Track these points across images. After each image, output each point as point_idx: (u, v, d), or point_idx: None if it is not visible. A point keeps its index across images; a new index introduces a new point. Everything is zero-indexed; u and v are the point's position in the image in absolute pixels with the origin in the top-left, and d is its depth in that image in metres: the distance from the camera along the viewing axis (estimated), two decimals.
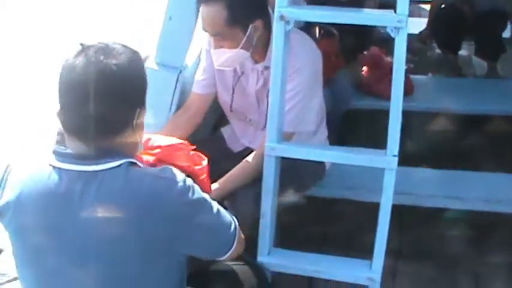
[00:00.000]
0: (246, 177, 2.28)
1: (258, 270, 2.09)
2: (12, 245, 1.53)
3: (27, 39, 5.75)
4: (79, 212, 1.41)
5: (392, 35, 1.84)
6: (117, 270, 1.46)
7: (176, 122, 2.49)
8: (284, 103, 2.08)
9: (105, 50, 1.43)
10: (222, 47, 2.23)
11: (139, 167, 1.49)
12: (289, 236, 2.68)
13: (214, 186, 2.18)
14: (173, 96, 2.54)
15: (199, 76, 2.52)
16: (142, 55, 1.52)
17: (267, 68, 2.31)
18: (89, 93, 1.39)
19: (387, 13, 1.89)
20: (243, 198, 2.25)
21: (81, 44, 1.45)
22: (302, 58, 2.25)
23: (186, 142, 1.86)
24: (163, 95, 2.55)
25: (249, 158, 2.32)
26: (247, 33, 2.20)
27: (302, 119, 2.31)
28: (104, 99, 1.40)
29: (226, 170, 2.30)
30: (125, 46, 1.48)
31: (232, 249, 1.65)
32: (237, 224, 1.67)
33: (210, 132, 2.91)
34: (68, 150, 1.46)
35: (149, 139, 1.77)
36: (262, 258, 2.18)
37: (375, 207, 2.04)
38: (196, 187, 1.53)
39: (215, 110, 2.71)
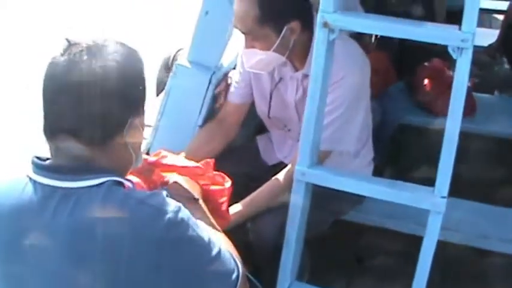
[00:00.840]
0: (272, 199, 2.04)
1: None
2: None
3: (27, 39, 5.69)
4: (49, 233, 1.21)
5: (454, 56, 1.55)
6: None
7: (208, 135, 2.26)
8: (322, 121, 1.81)
9: (92, 49, 1.22)
10: (253, 47, 2.00)
11: (126, 187, 1.27)
12: (319, 263, 2.45)
13: (236, 208, 1.96)
14: (204, 99, 2.31)
15: (234, 83, 2.29)
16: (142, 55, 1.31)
17: (306, 76, 2.05)
18: (68, 97, 1.21)
19: (450, 30, 1.59)
20: (266, 224, 2.01)
21: (68, 41, 1.24)
22: (346, 67, 1.96)
23: (205, 164, 1.63)
24: (193, 98, 2.32)
25: (280, 176, 2.07)
26: (281, 35, 1.95)
27: (341, 138, 2.03)
28: (84, 105, 1.20)
29: (256, 186, 2.06)
30: (121, 45, 1.27)
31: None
32: (241, 271, 1.37)
33: (248, 140, 2.66)
34: (47, 162, 1.27)
35: (164, 156, 1.56)
36: None
37: (417, 241, 1.76)
38: (194, 222, 1.26)
39: (256, 116, 2.46)
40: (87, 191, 1.20)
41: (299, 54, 2.05)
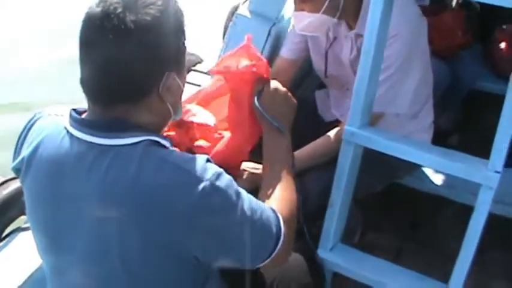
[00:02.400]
0: (321, 157, 2.00)
1: (315, 266, 1.83)
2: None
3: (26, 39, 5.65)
4: (84, 188, 1.20)
5: None
6: (113, 263, 1.22)
7: None
8: (375, 80, 1.73)
9: (128, 0, 1.16)
10: (303, 9, 1.93)
11: (163, 147, 1.23)
12: (371, 225, 2.40)
13: None
14: (262, 51, 2.25)
15: (289, 38, 2.23)
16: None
17: (359, 35, 1.97)
18: (102, 50, 1.16)
19: None
20: (313, 181, 1.97)
21: None
22: (399, 24, 1.84)
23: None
24: None
25: (331, 134, 2.02)
26: None
27: (392, 99, 1.93)
28: (120, 59, 1.16)
29: (310, 141, 2.03)
30: None
31: (274, 255, 1.31)
32: (281, 223, 1.33)
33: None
34: (84, 116, 1.26)
35: (188, 110, 1.53)
36: (323, 253, 1.92)
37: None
38: (232, 189, 1.21)
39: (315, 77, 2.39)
40: (123, 149, 1.19)
41: (351, 14, 1.97)
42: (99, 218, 1.20)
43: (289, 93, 1.60)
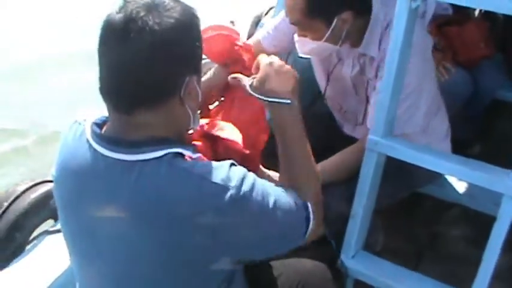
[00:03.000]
0: (340, 174, 1.98)
1: (337, 273, 1.85)
2: None
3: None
4: (112, 203, 1.22)
5: None
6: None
7: None
8: (399, 90, 1.75)
9: (150, 5, 1.19)
10: (305, 36, 1.91)
11: (187, 158, 1.24)
12: (392, 234, 2.41)
13: None
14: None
15: (273, 33, 2.21)
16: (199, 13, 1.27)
17: (362, 55, 1.97)
18: (123, 56, 1.17)
19: None
20: (333, 196, 1.97)
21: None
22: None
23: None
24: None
25: (350, 149, 2.01)
26: (332, 27, 1.84)
27: (409, 119, 1.92)
28: (141, 64, 1.17)
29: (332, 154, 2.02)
30: (177, 2, 1.23)
31: (307, 236, 1.35)
32: (309, 205, 1.35)
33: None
34: (105, 131, 1.27)
35: (220, 128, 1.56)
36: (345, 261, 1.93)
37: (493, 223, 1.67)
38: (258, 188, 1.23)
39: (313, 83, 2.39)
40: (148, 164, 1.19)
41: (355, 37, 1.93)
42: (123, 232, 1.22)
43: (285, 64, 1.51)
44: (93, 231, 1.28)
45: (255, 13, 3.60)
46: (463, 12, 2.89)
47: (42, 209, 2.13)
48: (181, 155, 1.23)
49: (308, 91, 2.51)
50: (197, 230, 1.18)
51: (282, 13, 2.17)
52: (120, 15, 1.17)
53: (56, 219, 2.14)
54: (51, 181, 2.19)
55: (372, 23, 1.89)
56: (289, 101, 1.44)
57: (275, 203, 1.27)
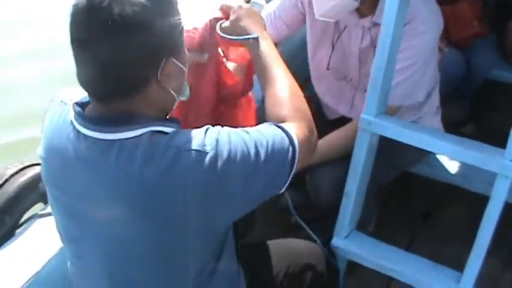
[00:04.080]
0: (333, 151, 1.97)
1: (330, 253, 1.85)
2: None
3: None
4: (94, 183, 1.20)
5: None
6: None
7: None
8: (392, 69, 1.73)
9: None
10: None
11: (165, 134, 1.20)
12: (385, 215, 2.40)
13: None
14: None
15: (272, 23, 2.17)
16: None
17: (375, 24, 1.93)
18: (92, 47, 1.13)
19: None
20: (324, 175, 1.97)
21: None
22: (427, 21, 1.84)
23: None
24: None
25: (343, 128, 2.00)
26: None
27: (412, 92, 1.93)
28: (110, 55, 1.13)
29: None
30: None
31: (296, 163, 1.31)
32: (292, 135, 1.31)
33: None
34: (88, 112, 1.24)
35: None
36: (337, 241, 1.94)
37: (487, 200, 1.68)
38: (235, 139, 1.21)
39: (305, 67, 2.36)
40: (127, 142, 1.17)
41: (370, 1, 1.91)
42: (109, 213, 1.21)
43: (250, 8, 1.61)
44: (80, 211, 1.27)
45: None
46: None
47: (32, 192, 2.10)
48: (163, 132, 1.20)
49: (299, 73, 2.48)
50: (184, 199, 1.16)
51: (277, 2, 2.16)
52: (84, 3, 1.13)
53: (45, 202, 2.12)
54: (39, 164, 2.19)
55: None
56: (256, 35, 1.52)
57: (256, 149, 1.24)
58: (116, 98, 1.19)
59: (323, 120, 2.30)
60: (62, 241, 1.43)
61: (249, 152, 1.22)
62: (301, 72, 2.27)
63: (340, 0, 1.83)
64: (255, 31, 1.53)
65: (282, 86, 1.45)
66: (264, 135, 1.27)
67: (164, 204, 1.17)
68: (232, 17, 1.57)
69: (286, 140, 1.30)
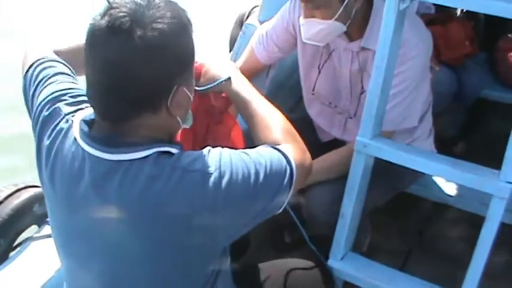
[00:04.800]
0: (327, 175, 1.96)
1: (327, 275, 1.84)
2: None
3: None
4: (98, 203, 1.20)
5: None
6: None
7: None
8: (387, 93, 1.75)
9: (136, 12, 1.13)
10: (313, 16, 1.86)
11: (171, 154, 1.21)
12: (379, 234, 2.41)
13: None
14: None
15: (266, 43, 2.18)
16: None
17: (363, 49, 1.94)
18: (108, 66, 1.13)
19: None
20: (318, 197, 1.97)
21: (108, 2, 1.15)
22: (417, 45, 1.85)
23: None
24: None
25: (338, 151, 2.01)
26: (345, 2, 1.81)
27: (406, 116, 1.94)
28: (127, 75, 1.13)
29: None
30: (166, 3, 1.17)
31: (293, 185, 1.32)
32: (294, 167, 1.31)
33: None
34: (94, 132, 1.23)
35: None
36: (334, 263, 1.94)
37: (481, 220, 1.67)
38: (236, 161, 1.22)
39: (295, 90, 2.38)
40: (134, 163, 1.17)
41: (358, 25, 1.90)
42: (114, 233, 1.21)
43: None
44: (83, 231, 1.26)
45: (238, 12, 3.59)
46: (446, 11, 2.89)
47: (26, 214, 2.09)
48: (168, 153, 1.21)
49: (289, 97, 2.50)
50: (188, 219, 1.17)
51: (271, 21, 2.17)
52: (104, 23, 1.13)
53: (39, 225, 2.11)
54: (34, 186, 2.18)
55: (373, 14, 1.88)
56: (228, 76, 1.56)
57: (256, 169, 1.25)
58: (125, 120, 1.19)
59: (316, 142, 2.30)
60: (61, 263, 1.41)
61: (249, 173, 1.23)
62: (296, 90, 2.30)
63: (327, 24, 1.85)
64: (225, 74, 1.56)
65: (268, 113, 1.48)
66: (262, 156, 1.29)
67: (167, 222, 1.18)
68: (202, 73, 1.59)
69: (284, 161, 1.31)
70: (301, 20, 1.91)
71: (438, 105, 2.30)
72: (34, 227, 2.13)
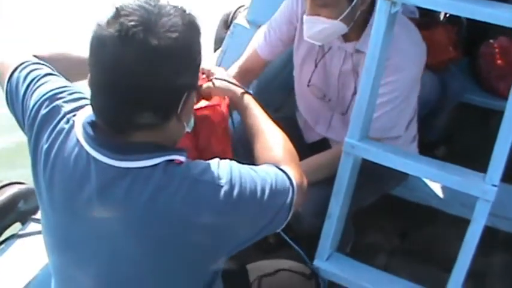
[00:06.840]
0: (314, 176, 1.90)
1: (312, 274, 1.86)
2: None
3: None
4: (104, 209, 1.19)
5: None
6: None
7: None
8: (375, 95, 1.76)
9: (149, 22, 1.10)
10: (318, 14, 1.85)
11: (179, 163, 1.20)
12: (361, 237, 2.43)
13: None
14: None
15: (268, 38, 2.17)
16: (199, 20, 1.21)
17: (358, 51, 1.95)
18: (121, 77, 1.11)
19: None
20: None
21: (116, 8, 1.11)
22: (411, 58, 1.87)
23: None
24: None
25: (326, 152, 2.03)
26: (353, 3, 1.81)
27: (394, 125, 1.96)
28: (140, 84, 1.11)
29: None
30: (176, 10, 1.15)
31: (294, 204, 1.34)
32: (295, 186, 1.34)
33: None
34: (100, 136, 1.20)
35: None
36: (319, 263, 1.95)
37: (465, 221, 1.70)
38: (245, 175, 1.24)
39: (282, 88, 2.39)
40: (143, 171, 1.16)
41: (357, 27, 1.90)
42: (116, 236, 1.20)
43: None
44: (83, 234, 1.25)
45: (223, 12, 3.59)
46: (430, 16, 2.92)
47: (10, 211, 2.08)
48: (175, 160, 1.20)
49: (277, 95, 2.51)
50: (196, 231, 1.18)
51: (273, 17, 2.17)
52: (112, 32, 1.10)
53: (23, 222, 2.09)
54: (19, 183, 2.16)
55: (373, 18, 1.87)
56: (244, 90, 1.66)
57: (262, 186, 1.27)
58: (136, 130, 1.18)
59: (301, 143, 2.28)
60: (49, 258, 1.39)
61: (256, 188, 1.24)
62: (283, 89, 2.30)
63: (331, 24, 1.84)
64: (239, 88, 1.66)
65: (273, 133, 1.53)
66: (268, 174, 1.31)
67: (173, 230, 1.18)
68: (213, 78, 1.69)
69: (287, 181, 1.34)
70: (305, 17, 1.89)
71: (421, 109, 2.33)
72: (17, 225, 2.11)
